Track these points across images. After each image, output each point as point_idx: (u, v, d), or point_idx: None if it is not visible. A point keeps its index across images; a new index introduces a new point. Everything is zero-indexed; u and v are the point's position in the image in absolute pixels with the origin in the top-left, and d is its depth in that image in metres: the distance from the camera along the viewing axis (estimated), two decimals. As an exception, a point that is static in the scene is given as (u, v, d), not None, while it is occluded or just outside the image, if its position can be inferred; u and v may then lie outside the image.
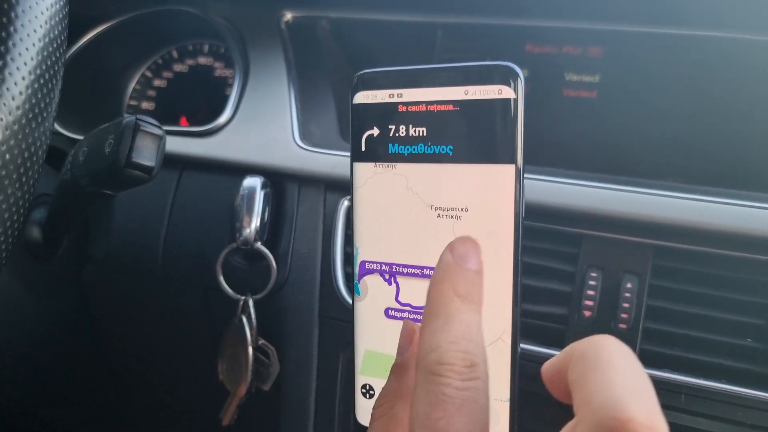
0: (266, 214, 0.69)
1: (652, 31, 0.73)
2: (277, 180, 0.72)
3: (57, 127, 0.82)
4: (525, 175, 0.62)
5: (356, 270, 0.40)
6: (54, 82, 0.45)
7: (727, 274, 0.58)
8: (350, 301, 0.47)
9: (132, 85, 0.96)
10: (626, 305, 0.59)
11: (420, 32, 0.84)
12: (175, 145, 0.76)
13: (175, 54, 0.95)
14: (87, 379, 0.90)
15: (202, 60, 0.94)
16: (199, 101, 0.93)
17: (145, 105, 0.96)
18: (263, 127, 0.74)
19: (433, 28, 0.84)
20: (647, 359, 0.58)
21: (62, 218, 0.70)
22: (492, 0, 0.77)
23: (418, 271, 0.39)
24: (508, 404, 0.37)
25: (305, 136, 0.73)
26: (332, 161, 0.69)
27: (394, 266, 0.40)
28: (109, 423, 0.97)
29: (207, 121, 0.77)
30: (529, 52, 0.81)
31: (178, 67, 0.95)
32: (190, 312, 0.78)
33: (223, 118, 0.76)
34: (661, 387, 0.56)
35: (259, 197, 0.68)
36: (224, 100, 0.78)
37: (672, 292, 0.59)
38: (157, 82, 0.96)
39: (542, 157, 0.78)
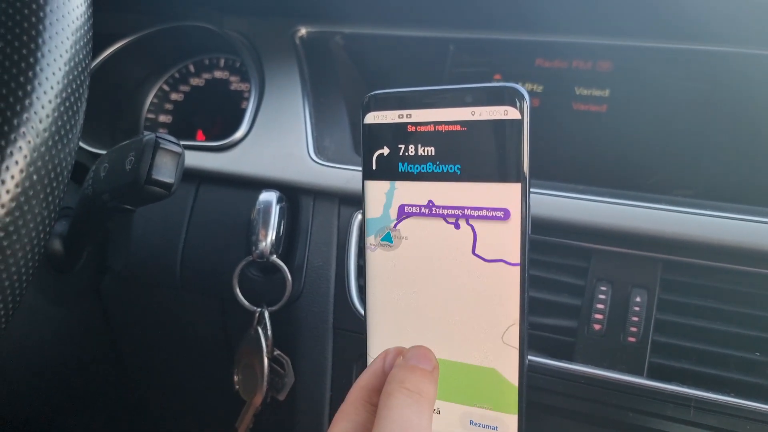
0: (282, 227, 0.70)
1: (661, 45, 0.74)
2: (292, 194, 0.74)
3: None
4: (535, 190, 0.64)
5: None
6: (79, 104, 0.47)
7: (735, 288, 0.59)
8: (363, 313, 0.48)
9: (150, 99, 0.98)
10: (635, 319, 0.60)
11: (432, 47, 0.85)
12: (193, 159, 0.77)
13: (191, 68, 0.97)
14: (105, 388, 0.91)
15: (218, 74, 0.96)
16: (215, 115, 0.95)
17: (162, 118, 0.98)
18: (278, 142, 0.75)
19: (445, 43, 0.85)
20: (656, 372, 0.59)
21: (83, 231, 0.72)
22: (503, 15, 0.78)
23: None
24: (515, 417, 0.38)
25: (319, 150, 0.74)
26: (346, 176, 0.71)
27: None
28: (126, 430, 0.99)
29: (223, 134, 0.79)
30: (539, 66, 0.82)
31: (195, 81, 0.97)
32: (206, 323, 0.79)
33: (239, 133, 0.77)
34: (670, 400, 0.57)
35: (275, 211, 0.70)
36: (240, 113, 0.80)
37: (681, 306, 0.60)
38: (174, 96, 0.98)
39: (552, 170, 0.79)
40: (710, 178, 0.74)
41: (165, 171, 0.57)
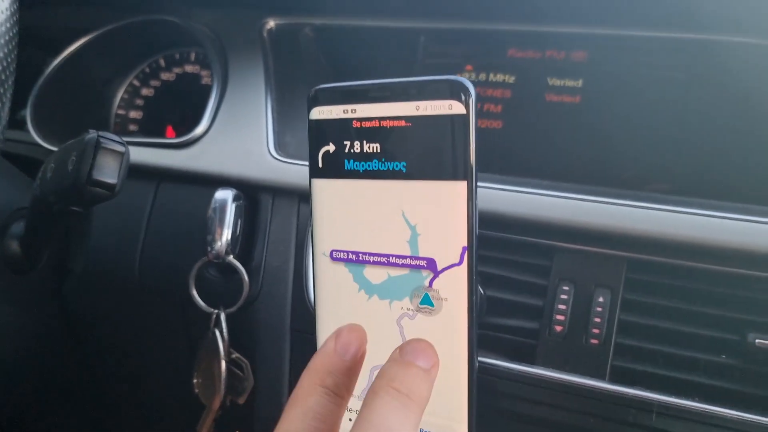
0: (238, 227, 0.68)
1: (636, 34, 0.71)
2: (252, 191, 0.72)
3: (39, 140, 0.82)
4: (496, 186, 0.61)
5: None
6: None
7: (701, 287, 0.56)
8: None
9: (120, 94, 0.96)
10: (598, 320, 0.57)
11: (403, 38, 0.83)
12: (153, 156, 0.75)
13: (162, 62, 0.95)
14: (67, 389, 0.90)
15: (188, 68, 0.94)
16: (185, 110, 0.93)
17: (132, 114, 0.96)
18: (238, 138, 0.73)
19: (416, 34, 0.83)
20: (619, 376, 0.57)
21: (38, 233, 0.70)
22: (474, 4, 0.76)
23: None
24: (466, 426, 0.36)
25: (280, 146, 0.72)
26: (306, 172, 0.68)
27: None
28: (92, 432, 0.98)
29: (191, 130, 0.77)
30: (511, 56, 0.79)
31: (165, 76, 0.95)
32: (167, 324, 0.78)
33: (199, 129, 0.75)
34: (632, 405, 0.55)
35: (231, 210, 0.68)
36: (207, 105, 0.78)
37: (645, 307, 0.57)
38: (144, 91, 0.96)
39: (524, 163, 0.77)
40: (687, 173, 0.72)
41: (107, 171, 0.56)
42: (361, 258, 0.38)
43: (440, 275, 0.36)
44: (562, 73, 0.77)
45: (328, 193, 0.39)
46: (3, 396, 0.79)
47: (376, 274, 0.38)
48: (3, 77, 0.45)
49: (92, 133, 0.56)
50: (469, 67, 0.81)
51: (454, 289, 0.35)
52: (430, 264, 0.36)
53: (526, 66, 0.79)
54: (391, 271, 0.37)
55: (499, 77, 0.79)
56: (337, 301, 0.39)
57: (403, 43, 0.83)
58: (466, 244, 0.35)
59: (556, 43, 0.77)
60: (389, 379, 0.31)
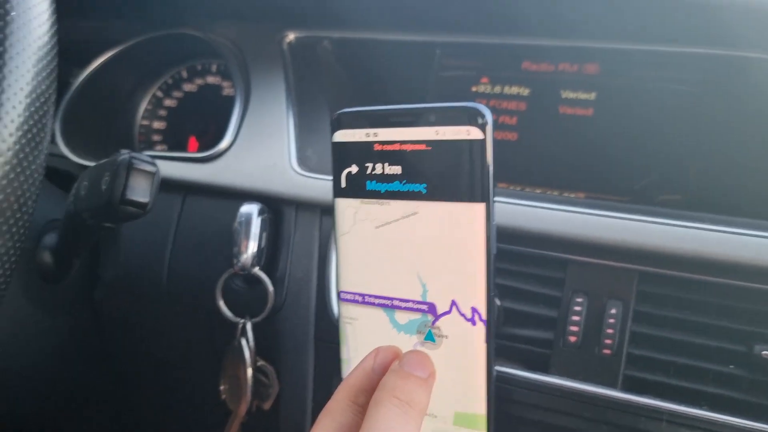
0: (263, 239, 0.71)
1: (649, 48, 0.73)
2: (275, 205, 0.74)
3: (67, 151, 0.85)
4: (512, 201, 0.63)
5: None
6: (42, 134, 0.47)
7: (710, 300, 0.58)
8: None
9: (143, 105, 0.99)
10: (610, 331, 0.59)
11: (419, 51, 0.85)
12: (179, 170, 0.78)
13: (184, 74, 0.98)
14: (97, 396, 0.93)
15: (210, 79, 0.97)
16: (207, 120, 0.96)
17: (156, 125, 0.99)
18: (261, 153, 0.76)
19: (432, 47, 0.85)
20: (630, 385, 0.59)
21: (71, 244, 0.73)
22: (489, 18, 0.77)
23: (387, 302, 0.41)
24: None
25: (302, 161, 0.75)
26: (327, 186, 0.71)
27: (362, 296, 0.42)
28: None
29: (214, 141, 0.79)
30: (525, 69, 0.81)
31: (188, 87, 0.98)
32: (194, 332, 0.81)
33: (223, 144, 0.78)
34: (643, 413, 0.57)
35: (256, 223, 0.70)
36: (230, 119, 0.80)
37: (656, 318, 0.59)
38: (167, 102, 0.99)
39: (539, 174, 0.79)
40: (699, 184, 0.73)
41: (139, 191, 0.58)
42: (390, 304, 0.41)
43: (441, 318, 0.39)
44: (576, 86, 0.79)
45: (351, 241, 0.42)
46: (37, 400, 0.82)
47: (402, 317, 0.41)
48: (47, 94, 0.48)
49: (124, 154, 0.59)
50: (484, 80, 0.83)
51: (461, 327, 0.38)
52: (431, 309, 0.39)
53: (540, 79, 0.80)
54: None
55: (514, 90, 0.81)
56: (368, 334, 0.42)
57: (419, 56, 0.85)
58: (484, 264, 0.37)
59: (569, 56, 0.79)
60: (390, 389, 0.33)
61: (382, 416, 0.32)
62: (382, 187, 0.40)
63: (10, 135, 0.44)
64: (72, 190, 0.66)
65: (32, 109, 0.46)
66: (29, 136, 0.46)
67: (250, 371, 0.71)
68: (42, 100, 0.47)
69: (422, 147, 0.38)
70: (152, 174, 0.59)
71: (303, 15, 0.84)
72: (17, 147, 0.45)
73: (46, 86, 0.48)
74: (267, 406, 0.73)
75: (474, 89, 0.83)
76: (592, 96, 0.78)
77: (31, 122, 0.46)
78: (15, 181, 0.45)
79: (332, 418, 0.34)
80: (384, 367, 0.36)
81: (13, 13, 0.45)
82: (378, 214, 0.40)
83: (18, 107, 0.45)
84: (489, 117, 0.36)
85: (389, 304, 0.41)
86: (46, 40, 0.48)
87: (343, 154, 0.41)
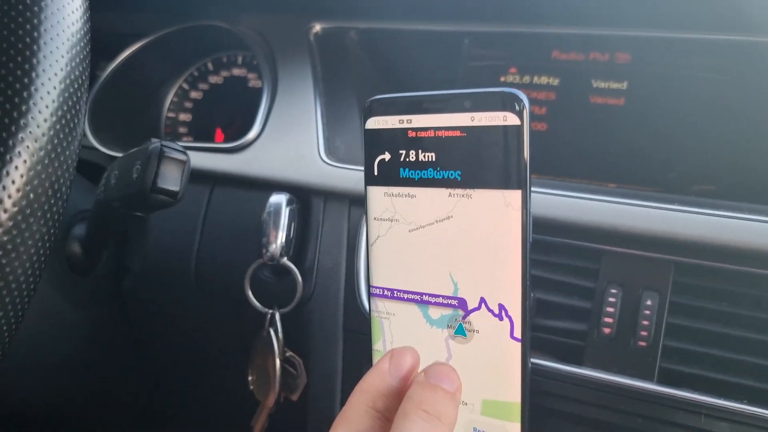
0: (292, 229, 0.71)
1: (680, 36, 0.72)
2: (304, 195, 0.74)
3: (95, 143, 0.85)
4: (546, 191, 0.63)
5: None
6: (76, 120, 0.47)
7: (749, 291, 0.57)
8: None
9: (170, 97, 0.99)
10: (646, 323, 0.58)
11: (447, 41, 0.84)
12: (207, 161, 0.78)
13: (210, 66, 0.98)
14: (126, 385, 0.94)
15: (236, 71, 0.97)
16: (233, 112, 0.96)
17: (182, 117, 0.99)
18: (290, 143, 0.75)
19: (460, 37, 0.84)
20: (667, 377, 0.58)
21: (100, 235, 0.73)
22: (518, 7, 0.77)
23: (418, 297, 0.40)
24: (519, 425, 0.38)
25: (330, 151, 0.74)
26: (356, 177, 0.71)
27: (395, 292, 0.41)
28: (146, 428, 1.01)
29: (240, 132, 0.79)
30: (555, 59, 0.80)
31: (214, 79, 0.98)
32: (222, 323, 0.81)
33: (251, 134, 0.77)
34: (680, 406, 0.56)
35: (285, 214, 0.70)
36: (256, 111, 0.80)
37: (693, 310, 0.58)
38: (193, 94, 0.99)
39: (569, 166, 0.78)
40: (731, 174, 0.72)
41: (170, 179, 0.58)
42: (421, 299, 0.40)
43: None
44: (607, 75, 0.78)
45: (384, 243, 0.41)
46: (67, 391, 0.83)
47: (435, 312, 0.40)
48: (81, 79, 0.48)
49: (155, 142, 0.58)
50: (513, 70, 0.82)
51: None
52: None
53: (570, 68, 0.79)
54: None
55: (543, 80, 0.80)
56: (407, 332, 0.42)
57: (447, 46, 0.85)
58: (520, 252, 0.36)
59: (600, 45, 0.78)
60: (418, 402, 0.32)
61: (411, 430, 0.30)
62: (416, 175, 0.39)
63: (45, 120, 0.44)
64: (102, 179, 0.67)
65: (66, 94, 0.46)
66: (63, 121, 0.46)
67: (278, 362, 0.71)
68: (76, 86, 0.47)
69: (457, 133, 0.37)
70: (183, 162, 0.59)
71: (329, 6, 0.84)
72: (51, 132, 0.45)
73: (80, 72, 0.48)
74: (295, 397, 0.73)
75: (503, 79, 0.82)
76: (624, 85, 0.77)
77: (65, 108, 0.46)
78: (50, 166, 0.45)
79: (348, 426, 0.32)
80: (399, 369, 0.35)
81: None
82: (411, 216, 0.40)
83: (53, 93, 0.45)
84: (526, 102, 0.36)
85: (420, 299, 0.40)
86: (79, 26, 0.48)
87: (376, 141, 0.41)
